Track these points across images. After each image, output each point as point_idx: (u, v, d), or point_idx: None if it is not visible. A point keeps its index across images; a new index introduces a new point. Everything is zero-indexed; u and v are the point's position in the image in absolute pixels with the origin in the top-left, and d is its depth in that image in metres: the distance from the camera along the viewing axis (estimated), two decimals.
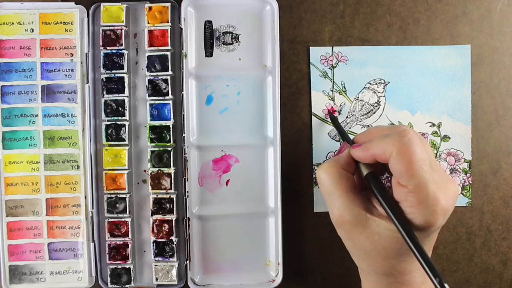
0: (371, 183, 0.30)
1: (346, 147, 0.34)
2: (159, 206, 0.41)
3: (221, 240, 0.42)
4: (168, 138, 0.40)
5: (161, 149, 0.40)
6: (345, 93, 0.43)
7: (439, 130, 0.43)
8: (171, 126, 0.40)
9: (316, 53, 0.43)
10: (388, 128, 0.32)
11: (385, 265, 0.31)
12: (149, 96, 0.40)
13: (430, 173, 0.28)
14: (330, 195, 0.31)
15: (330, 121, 0.43)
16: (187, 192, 0.41)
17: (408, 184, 0.28)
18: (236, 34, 0.42)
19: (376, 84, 0.43)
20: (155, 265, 0.41)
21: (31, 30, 0.40)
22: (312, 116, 0.43)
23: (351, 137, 0.37)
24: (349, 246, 0.33)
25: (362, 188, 0.33)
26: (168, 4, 0.40)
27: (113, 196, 0.40)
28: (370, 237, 0.30)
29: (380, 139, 0.29)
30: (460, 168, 0.43)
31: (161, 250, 0.41)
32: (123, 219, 0.40)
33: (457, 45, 0.43)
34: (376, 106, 0.43)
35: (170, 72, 0.40)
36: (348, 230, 0.31)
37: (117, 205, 0.40)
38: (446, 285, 0.25)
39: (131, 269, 0.41)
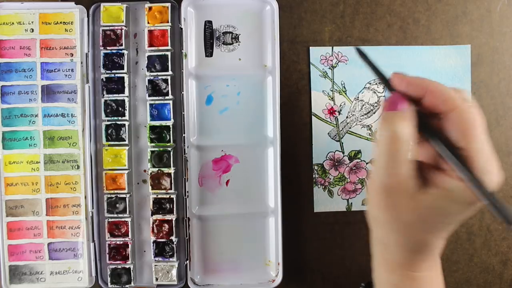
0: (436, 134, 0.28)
1: (400, 100, 0.29)
2: (159, 206, 0.41)
3: (221, 240, 0.42)
4: (168, 138, 0.40)
5: (161, 149, 0.40)
6: (345, 93, 0.43)
7: None
8: (171, 126, 0.40)
9: (316, 53, 0.43)
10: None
11: (420, 239, 0.30)
12: (149, 96, 0.40)
13: (487, 142, 0.27)
14: (392, 159, 0.28)
15: (329, 121, 0.43)
16: (187, 192, 0.41)
17: (467, 148, 0.27)
18: (236, 34, 0.42)
19: (376, 84, 0.43)
20: (155, 265, 0.41)
21: (31, 30, 0.40)
22: (312, 116, 0.43)
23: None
24: (387, 218, 0.30)
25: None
26: (168, 4, 0.40)
27: (113, 196, 0.40)
28: (418, 209, 0.29)
29: (443, 87, 0.28)
30: None
31: (161, 250, 0.41)
32: (123, 219, 0.40)
33: (457, 45, 0.43)
34: (376, 106, 0.43)
35: (170, 72, 0.40)
36: (397, 199, 0.29)
37: (117, 205, 0.40)
38: None
39: (131, 269, 0.41)
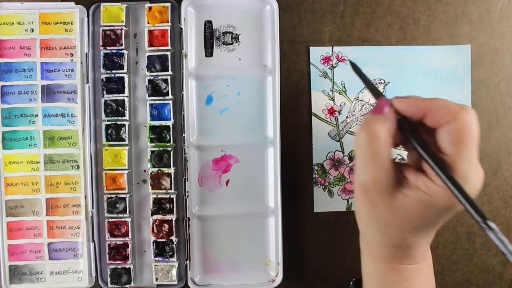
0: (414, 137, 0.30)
1: (386, 104, 0.30)
2: (159, 206, 0.41)
3: (221, 240, 0.42)
4: (168, 138, 0.40)
5: (161, 149, 0.40)
6: (345, 93, 0.43)
7: None
8: (171, 126, 0.40)
9: (316, 53, 0.43)
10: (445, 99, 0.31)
11: (399, 237, 0.31)
12: (149, 96, 0.40)
13: (475, 153, 0.28)
14: (369, 158, 0.30)
15: (330, 121, 0.43)
16: (187, 192, 0.41)
17: (454, 154, 0.28)
18: (236, 34, 0.42)
19: (376, 84, 0.43)
20: (155, 265, 0.41)
21: (31, 30, 0.40)
22: (312, 116, 0.43)
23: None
24: (366, 214, 0.32)
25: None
26: (168, 4, 0.40)
27: (113, 196, 0.40)
28: (394, 209, 0.30)
29: (446, 101, 0.29)
30: None
31: (161, 250, 0.41)
32: (123, 219, 0.40)
33: (457, 45, 0.43)
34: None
35: (170, 72, 0.40)
36: (374, 197, 0.30)
37: (117, 205, 0.40)
38: (491, 223, 0.26)
39: (131, 269, 0.41)
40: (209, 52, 0.42)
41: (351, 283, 0.40)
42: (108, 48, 0.40)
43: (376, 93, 0.32)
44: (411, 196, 0.29)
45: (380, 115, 0.30)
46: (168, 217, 0.40)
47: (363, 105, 0.43)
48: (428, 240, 0.32)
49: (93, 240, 0.41)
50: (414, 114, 0.30)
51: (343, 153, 0.43)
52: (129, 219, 0.40)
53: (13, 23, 0.40)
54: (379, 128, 0.29)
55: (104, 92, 0.40)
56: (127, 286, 0.41)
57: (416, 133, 0.30)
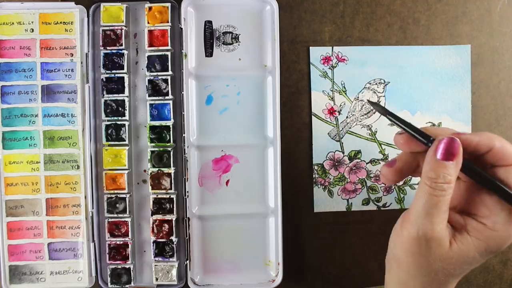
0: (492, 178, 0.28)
1: (458, 147, 0.28)
2: (159, 206, 0.41)
3: (221, 240, 0.42)
4: (168, 138, 0.40)
5: (161, 149, 0.40)
6: (345, 93, 0.43)
7: None
8: (171, 126, 0.40)
9: (316, 53, 0.43)
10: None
11: (443, 283, 0.30)
12: (149, 96, 0.40)
13: None
14: (435, 209, 0.28)
15: (330, 120, 0.43)
16: (187, 192, 0.41)
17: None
18: (236, 34, 0.42)
19: (376, 84, 0.43)
20: (155, 265, 0.41)
21: (31, 30, 0.40)
22: (312, 116, 0.43)
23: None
24: (413, 261, 0.30)
25: None
26: (168, 4, 0.40)
27: (113, 196, 0.40)
28: (449, 259, 0.29)
29: (502, 141, 0.28)
30: None
31: (161, 250, 0.41)
32: (123, 219, 0.40)
33: (457, 45, 0.43)
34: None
35: (170, 72, 0.40)
36: (432, 247, 0.29)
37: (117, 205, 0.40)
38: None
39: (131, 269, 0.41)
40: (209, 52, 0.42)
41: None
42: (108, 48, 0.40)
43: (425, 137, 0.29)
44: (465, 244, 0.29)
45: (457, 164, 0.28)
46: (168, 217, 0.40)
47: (363, 105, 0.43)
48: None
49: (93, 240, 0.41)
50: (479, 151, 0.28)
51: (343, 153, 0.43)
52: (129, 219, 0.40)
53: (13, 23, 0.40)
54: (452, 179, 0.27)
55: (104, 92, 0.40)
56: (127, 286, 0.41)
57: (486, 173, 0.28)
